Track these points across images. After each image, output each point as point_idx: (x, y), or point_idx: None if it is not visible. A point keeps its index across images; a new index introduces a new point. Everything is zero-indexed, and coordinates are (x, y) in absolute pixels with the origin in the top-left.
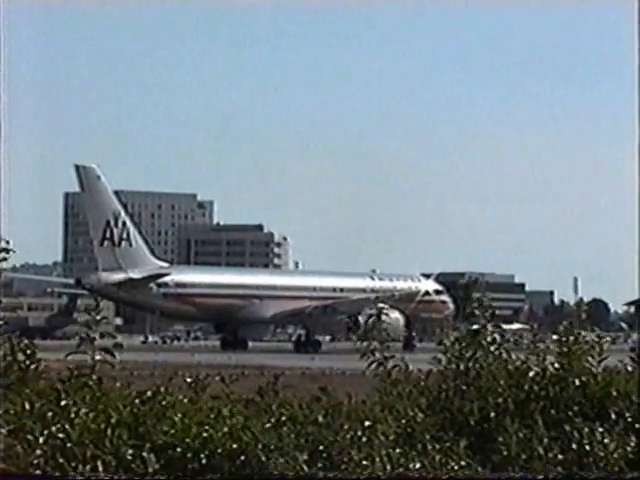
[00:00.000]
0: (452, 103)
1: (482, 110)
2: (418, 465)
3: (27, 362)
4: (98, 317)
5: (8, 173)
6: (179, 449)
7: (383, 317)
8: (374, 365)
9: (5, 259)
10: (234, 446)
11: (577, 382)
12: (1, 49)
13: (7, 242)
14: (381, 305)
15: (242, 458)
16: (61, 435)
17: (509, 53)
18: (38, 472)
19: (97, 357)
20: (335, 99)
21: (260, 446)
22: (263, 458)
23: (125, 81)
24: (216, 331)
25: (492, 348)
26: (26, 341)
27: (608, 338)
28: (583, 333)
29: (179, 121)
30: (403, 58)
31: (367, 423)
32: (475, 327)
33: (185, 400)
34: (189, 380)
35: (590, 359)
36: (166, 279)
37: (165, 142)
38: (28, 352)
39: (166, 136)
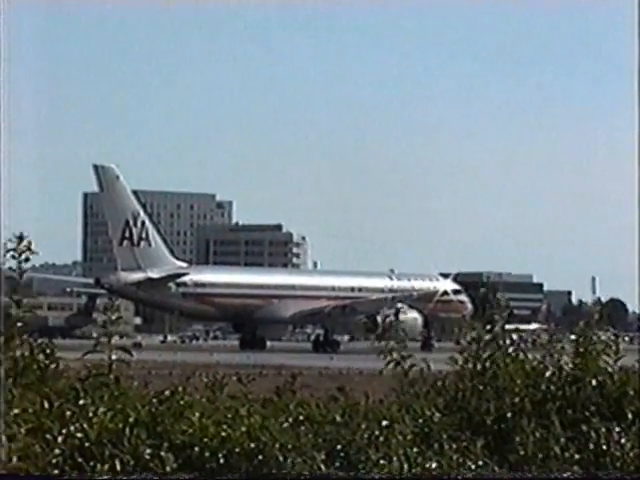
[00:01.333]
0: (464, 101)
1: (495, 108)
2: (435, 464)
3: (46, 361)
4: (113, 317)
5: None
6: (197, 448)
7: (401, 316)
8: (392, 365)
9: (28, 259)
10: (252, 445)
11: (594, 382)
12: (2, 48)
13: (29, 242)
14: (399, 305)
15: (260, 457)
16: (79, 434)
17: (509, 49)
18: (56, 472)
19: (114, 356)
20: (353, 99)
21: (277, 445)
22: (280, 457)
23: (145, 81)
24: (235, 331)
25: (510, 349)
26: (45, 340)
27: (626, 338)
28: (600, 333)
29: (199, 121)
30: (410, 55)
31: (384, 423)
32: (489, 327)
33: (203, 400)
34: (206, 380)
35: (606, 358)
36: (185, 279)
37: (184, 142)
38: (47, 351)
39: (185, 136)
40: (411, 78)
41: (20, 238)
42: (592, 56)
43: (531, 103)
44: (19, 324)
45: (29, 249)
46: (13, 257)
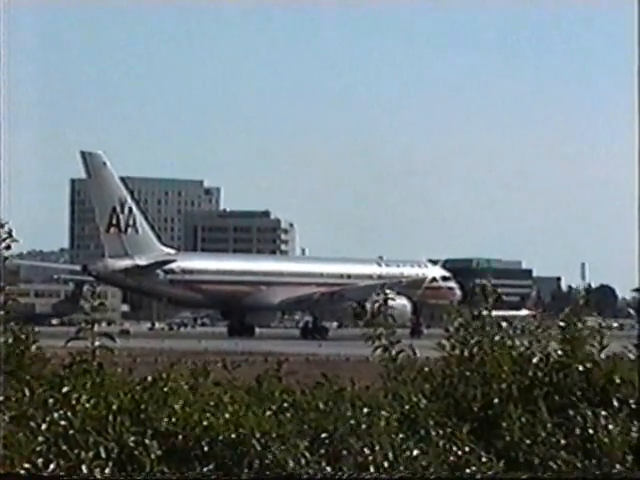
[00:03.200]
0: (457, 88)
1: (488, 97)
2: (418, 452)
3: (29, 348)
4: (96, 303)
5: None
6: (180, 436)
7: (390, 303)
8: (379, 350)
9: (9, 247)
10: (234, 434)
11: (580, 368)
12: (1, 37)
13: (10, 230)
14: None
15: (242, 445)
16: (63, 422)
17: (509, 40)
18: (41, 460)
19: (97, 343)
20: (341, 85)
21: (260, 433)
22: (263, 445)
23: (132, 67)
24: (223, 318)
25: (496, 336)
26: (28, 328)
27: (615, 324)
28: (587, 318)
29: (186, 107)
30: (414, 42)
31: (369, 409)
32: (476, 313)
33: (186, 387)
34: (190, 368)
35: (592, 346)
36: (172, 266)
37: (172, 128)
38: (30, 339)
39: (173, 122)
40: (401, 66)
41: (0, 225)
42: (592, 50)
43: (523, 91)
44: (1, 312)
45: (10, 235)
46: None
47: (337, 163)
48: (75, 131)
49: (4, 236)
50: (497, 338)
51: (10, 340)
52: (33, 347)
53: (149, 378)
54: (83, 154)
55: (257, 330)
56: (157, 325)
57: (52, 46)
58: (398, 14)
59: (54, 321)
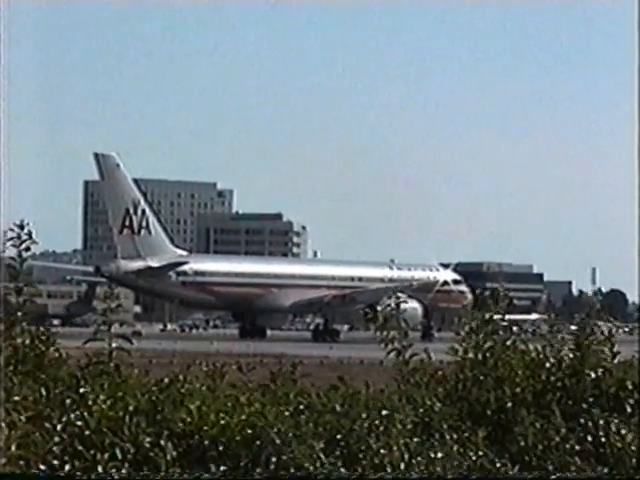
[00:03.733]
0: (465, 91)
1: (497, 99)
2: (434, 455)
3: (45, 349)
4: (113, 305)
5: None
6: (197, 437)
7: (403, 306)
8: (392, 354)
9: (29, 248)
10: (251, 434)
11: (592, 375)
12: (2, 37)
13: (30, 232)
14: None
15: (259, 446)
16: (79, 423)
17: (510, 40)
18: (56, 462)
19: (114, 344)
20: (356, 88)
21: (277, 434)
22: (280, 446)
23: (146, 70)
24: (235, 320)
25: (508, 341)
26: (44, 329)
27: (625, 329)
28: (600, 323)
29: (200, 110)
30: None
31: (385, 412)
32: (487, 317)
33: (203, 388)
34: (206, 369)
35: (605, 351)
36: (185, 268)
37: (185, 131)
38: (46, 339)
39: (186, 125)
40: (413, 69)
41: (21, 227)
42: (594, 49)
43: (531, 94)
44: (19, 312)
45: (30, 237)
46: (14, 245)
47: (349, 166)
48: (89, 133)
49: (24, 237)
50: (509, 342)
51: (27, 341)
52: (51, 348)
53: (166, 380)
54: (96, 156)
55: (268, 332)
56: (169, 327)
57: (62, 44)
58: (402, 12)
59: (55, 321)
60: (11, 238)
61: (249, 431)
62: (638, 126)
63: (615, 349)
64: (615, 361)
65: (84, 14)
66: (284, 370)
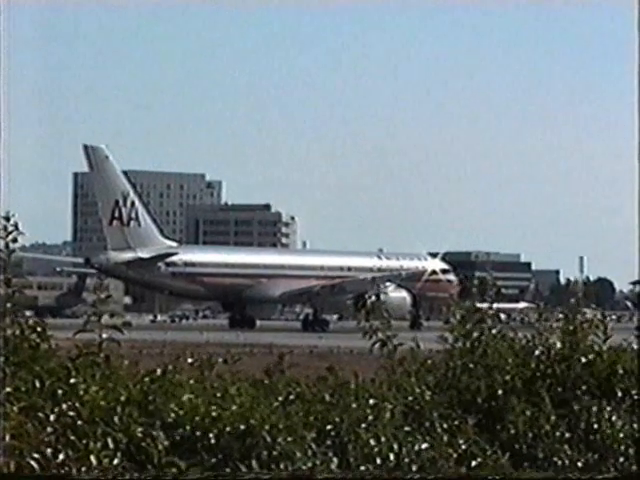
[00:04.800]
0: (457, 84)
1: (486, 89)
2: (423, 443)
3: (37, 340)
4: (103, 296)
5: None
6: (188, 427)
7: (390, 295)
8: (377, 345)
9: (16, 240)
10: (242, 425)
11: (583, 360)
12: (2, 31)
13: (16, 223)
14: (387, 284)
15: (250, 437)
16: (72, 413)
17: (510, 36)
18: (49, 450)
19: (104, 335)
20: (342, 79)
21: (268, 425)
22: (270, 437)
23: (134, 61)
24: (224, 310)
25: (495, 329)
26: (38, 320)
27: (613, 316)
28: (587, 311)
29: (188, 101)
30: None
31: (374, 401)
32: (476, 306)
33: (192, 379)
34: (193, 360)
35: (595, 337)
36: (174, 258)
37: (174, 122)
38: (38, 330)
39: (175, 116)
40: (401, 59)
41: (7, 218)
42: (595, 40)
43: (521, 83)
44: (8, 304)
45: (16, 228)
46: (0, 237)
47: (337, 157)
48: (78, 125)
49: (11, 229)
50: (498, 330)
51: (17, 332)
52: (44, 340)
53: (157, 370)
54: (86, 148)
55: (258, 322)
56: (159, 317)
57: (53, 40)
58: (408, 9)
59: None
60: None
61: (240, 422)
62: (638, 119)
63: (607, 334)
64: (605, 346)
65: (72, 5)
66: (275, 361)
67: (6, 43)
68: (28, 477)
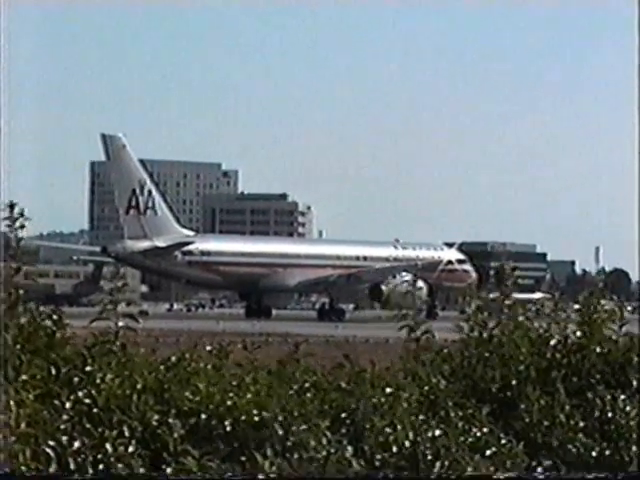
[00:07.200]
0: (468, 73)
1: (502, 79)
2: (438, 432)
3: (53, 328)
4: (119, 284)
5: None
6: (204, 416)
7: (405, 285)
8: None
9: (23, 226)
10: (257, 412)
11: (598, 349)
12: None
13: (22, 210)
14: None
15: (265, 424)
16: (87, 400)
17: (513, 33)
18: (65, 437)
19: (120, 323)
20: (357, 67)
21: (283, 413)
22: (285, 425)
23: (151, 50)
24: (240, 299)
25: (513, 319)
26: (52, 307)
27: (629, 307)
28: (603, 301)
29: (204, 90)
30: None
31: (390, 390)
32: (492, 296)
33: (209, 367)
34: (210, 348)
35: (611, 326)
36: (191, 247)
37: (190, 111)
38: (54, 318)
39: (191, 105)
40: (414, 50)
41: (11, 206)
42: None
43: (533, 76)
44: (20, 291)
45: (22, 216)
46: (8, 226)
47: (354, 146)
48: (95, 114)
49: (16, 216)
50: (514, 320)
51: (32, 320)
52: (58, 326)
53: (173, 358)
54: (103, 137)
55: (274, 311)
56: (175, 306)
57: (68, 28)
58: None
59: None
60: (5, 218)
61: (255, 410)
62: (638, 108)
63: (623, 321)
64: (622, 332)
65: None
66: (289, 350)
67: (12, 29)
68: (28, 477)
